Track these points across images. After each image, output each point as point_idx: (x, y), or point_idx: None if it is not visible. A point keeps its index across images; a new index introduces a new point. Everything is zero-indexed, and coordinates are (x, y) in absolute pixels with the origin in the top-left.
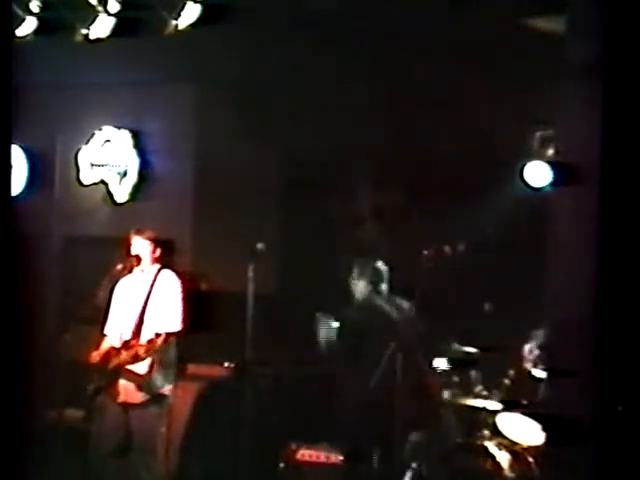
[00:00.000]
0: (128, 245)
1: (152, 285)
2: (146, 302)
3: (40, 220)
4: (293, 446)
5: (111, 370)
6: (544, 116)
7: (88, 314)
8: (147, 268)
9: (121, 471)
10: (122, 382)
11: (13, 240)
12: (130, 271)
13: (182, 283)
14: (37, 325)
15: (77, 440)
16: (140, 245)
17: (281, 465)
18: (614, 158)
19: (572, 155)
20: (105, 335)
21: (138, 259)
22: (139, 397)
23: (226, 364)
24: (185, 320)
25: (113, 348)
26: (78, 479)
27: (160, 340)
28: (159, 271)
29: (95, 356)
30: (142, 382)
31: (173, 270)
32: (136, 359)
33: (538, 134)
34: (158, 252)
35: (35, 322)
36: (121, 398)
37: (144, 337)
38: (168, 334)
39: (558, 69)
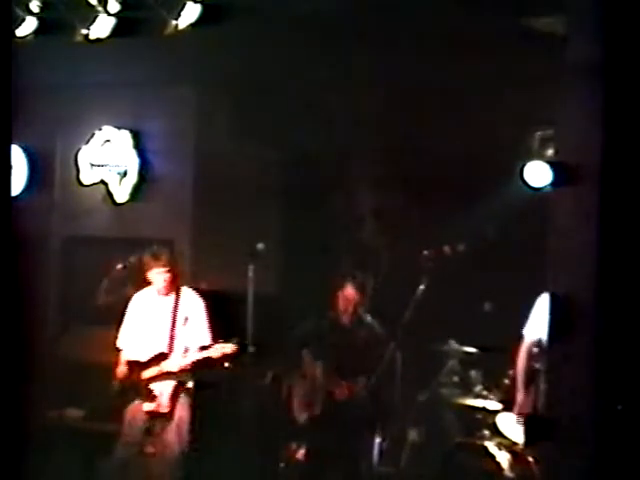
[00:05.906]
0: (143, 270)
1: (176, 306)
2: (174, 322)
3: (40, 220)
4: (293, 446)
5: (143, 383)
6: (544, 116)
7: (88, 314)
8: (166, 291)
9: (122, 471)
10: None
11: (13, 240)
12: (130, 271)
13: (204, 300)
14: (37, 325)
15: (77, 440)
16: (158, 276)
17: (281, 465)
18: (614, 158)
19: (572, 155)
20: (119, 349)
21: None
22: (163, 407)
23: (226, 364)
24: (213, 333)
25: (137, 363)
26: (78, 479)
27: (197, 357)
28: (179, 290)
29: (119, 370)
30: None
31: (191, 287)
32: (170, 375)
33: (538, 134)
34: (175, 279)
35: (35, 322)
36: (147, 408)
37: (178, 354)
38: (202, 348)
39: (558, 69)
